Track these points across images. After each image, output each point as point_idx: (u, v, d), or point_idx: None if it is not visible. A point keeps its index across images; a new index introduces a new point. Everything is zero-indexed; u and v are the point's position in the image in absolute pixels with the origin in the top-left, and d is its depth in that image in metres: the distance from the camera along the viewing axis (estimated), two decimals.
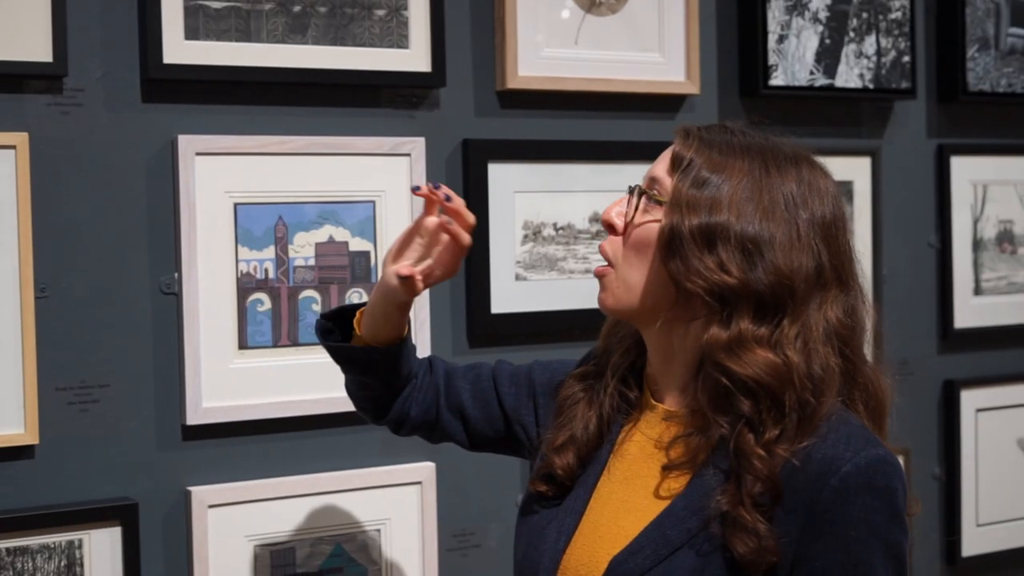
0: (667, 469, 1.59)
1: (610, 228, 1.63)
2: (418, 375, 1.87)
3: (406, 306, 1.77)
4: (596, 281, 1.65)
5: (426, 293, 2.33)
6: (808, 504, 1.49)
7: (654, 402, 1.66)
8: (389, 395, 1.84)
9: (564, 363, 1.85)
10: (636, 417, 1.68)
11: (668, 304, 1.58)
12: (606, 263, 1.64)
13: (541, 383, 1.84)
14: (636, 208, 1.60)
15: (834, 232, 1.60)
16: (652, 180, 1.62)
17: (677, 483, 1.57)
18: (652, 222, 1.59)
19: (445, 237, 1.73)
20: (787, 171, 1.59)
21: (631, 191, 1.63)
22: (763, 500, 1.49)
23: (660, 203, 1.59)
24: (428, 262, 1.74)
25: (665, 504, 1.57)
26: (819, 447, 1.51)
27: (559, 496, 1.68)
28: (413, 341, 1.85)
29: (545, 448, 1.71)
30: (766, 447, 1.50)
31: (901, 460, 2.88)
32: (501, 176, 2.43)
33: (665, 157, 1.63)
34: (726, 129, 1.63)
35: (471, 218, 1.72)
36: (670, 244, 1.55)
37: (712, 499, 1.52)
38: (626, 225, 1.62)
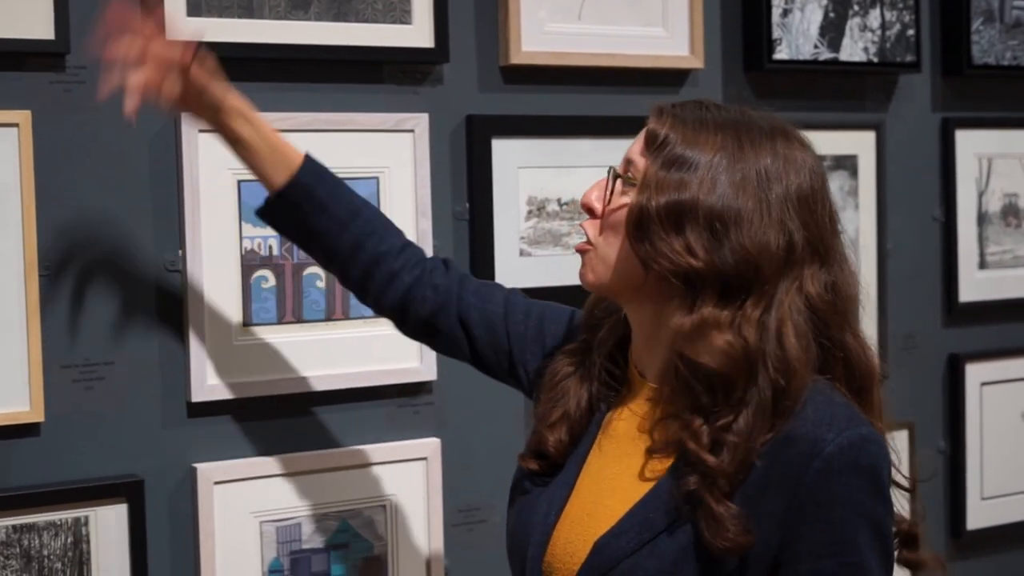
0: (651, 451, 1.58)
1: (589, 211, 1.63)
2: (394, 247, 1.89)
3: (243, 118, 1.87)
4: None
5: None
6: (793, 486, 1.49)
7: (640, 378, 1.66)
8: (348, 250, 1.87)
9: (577, 313, 1.83)
10: (624, 393, 1.68)
11: (640, 284, 1.58)
12: (586, 240, 1.64)
13: (551, 334, 1.83)
14: (611, 191, 1.60)
15: (812, 205, 1.56)
16: (628, 162, 1.61)
17: (662, 465, 1.57)
18: (626, 205, 1.58)
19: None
20: (762, 145, 1.56)
21: (609, 173, 1.63)
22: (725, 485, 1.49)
23: (635, 185, 1.58)
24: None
25: (649, 486, 1.56)
26: (801, 427, 1.49)
27: (550, 472, 1.69)
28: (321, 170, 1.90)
29: (538, 424, 1.72)
30: (714, 435, 1.49)
31: (905, 434, 2.89)
32: (505, 152, 2.42)
33: (641, 137, 1.62)
34: (701, 105, 1.61)
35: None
36: (638, 225, 1.54)
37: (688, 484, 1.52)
38: (604, 208, 1.61)
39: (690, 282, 1.52)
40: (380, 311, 1.94)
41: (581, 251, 1.64)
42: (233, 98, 1.87)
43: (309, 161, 1.89)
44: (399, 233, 1.92)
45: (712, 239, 1.51)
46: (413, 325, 1.91)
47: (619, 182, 1.60)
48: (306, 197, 1.86)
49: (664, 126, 1.58)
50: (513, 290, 1.91)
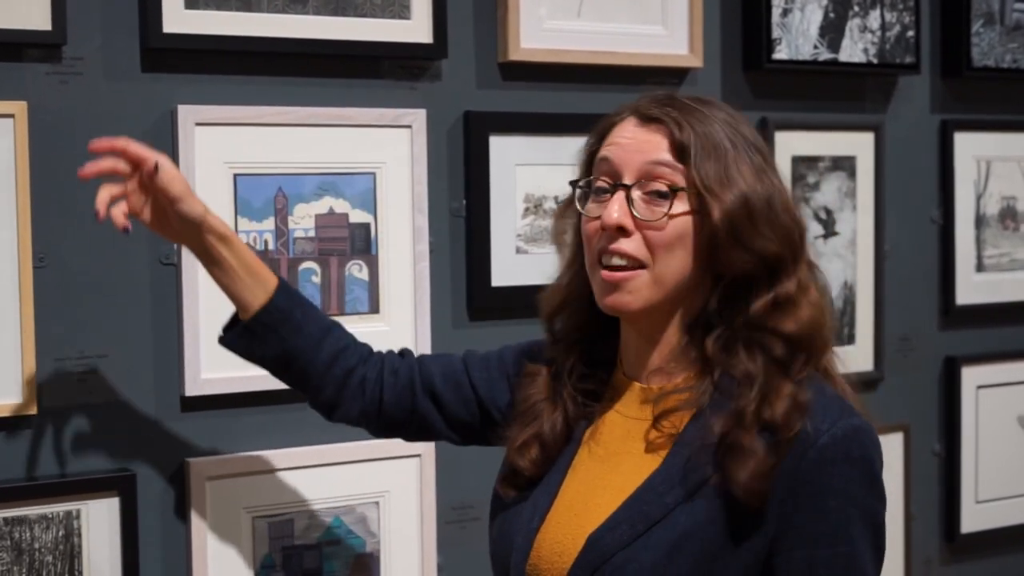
0: (645, 450, 1.58)
1: (620, 231, 1.56)
2: (363, 356, 1.87)
3: (221, 241, 1.81)
4: None
5: (426, 267, 2.32)
6: (787, 475, 1.50)
7: (629, 380, 1.65)
8: (324, 368, 1.84)
9: (534, 343, 1.83)
10: (611, 397, 1.67)
11: (684, 293, 1.58)
12: (630, 265, 1.56)
13: (513, 363, 1.82)
14: (670, 207, 1.55)
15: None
16: (657, 165, 1.56)
17: (654, 461, 1.57)
18: (684, 214, 1.55)
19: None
20: (743, 129, 1.60)
21: (624, 187, 1.57)
22: (772, 431, 1.50)
23: (665, 196, 1.55)
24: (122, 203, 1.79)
25: (641, 481, 1.56)
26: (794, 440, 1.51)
27: (530, 487, 1.68)
28: (300, 302, 1.87)
29: (508, 450, 1.70)
30: (799, 384, 1.54)
31: (900, 436, 2.89)
32: (503, 148, 2.41)
33: (655, 144, 1.57)
34: (674, 98, 1.62)
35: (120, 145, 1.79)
36: (731, 230, 1.54)
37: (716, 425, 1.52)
38: (642, 223, 1.56)
39: (769, 267, 1.56)
40: (351, 419, 1.89)
41: (626, 279, 1.57)
42: (213, 218, 1.81)
43: (284, 283, 1.86)
44: (364, 344, 1.90)
45: (769, 224, 1.55)
46: (384, 418, 1.87)
47: (644, 194, 1.56)
48: (284, 319, 1.83)
49: (683, 132, 1.56)
50: (468, 350, 1.90)
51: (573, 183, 1.66)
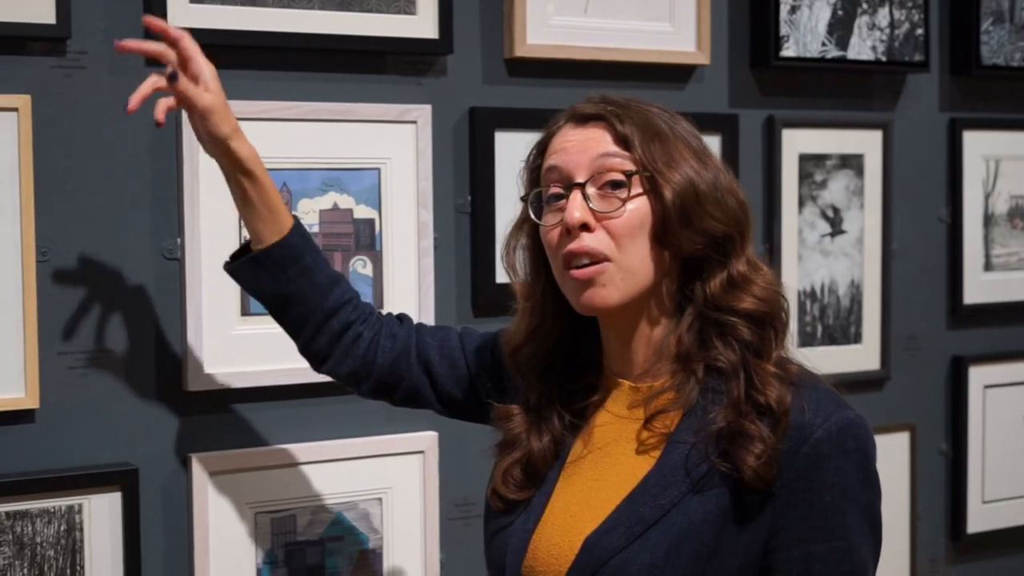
0: (637, 450, 1.58)
1: (583, 227, 1.56)
2: (363, 313, 1.88)
3: (242, 172, 1.82)
4: None
5: (430, 263, 2.32)
6: (783, 473, 1.50)
7: (617, 379, 1.65)
8: (323, 318, 1.85)
9: None
10: (601, 397, 1.66)
11: (651, 282, 1.58)
12: (596, 260, 1.56)
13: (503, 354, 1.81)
14: (628, 196, 1.56)
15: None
16: (606, 158, 1.57)
17: (647, 461, 1.57)
18: (638, 196, 1.56)
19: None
20: (684, 119, 1.63)
21: (579, 186, 1.57)
22: (767, 414, 1.51)
23: (619, 186, 1.56)
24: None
25: (636, 482, 1.56)
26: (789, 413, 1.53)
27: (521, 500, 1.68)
28: (313, 244, 1.88)
29: (494, 474, 1.71)
30: (779, 365, 1.55)
31: (907, 435, 2.88)
32: (508, 145, 2.41)
33: (598, 139, 1.59)
34: (609, 98, 1.63)
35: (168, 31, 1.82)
36: (682, 213, 1.55)
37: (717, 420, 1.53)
38: (601, 216, 1.56)
39: (719, 247, 1.57)
40: (339, 373, 1.90)
41: (596, 273, 1.56)
42: (240, 145, 1.81)
43: (299, 224, 1.87)
44: (367, 303, 1.92)
45: (717, 203, 1.57)
46: (374, 380, 1.88)
47: (598, 188, 1.57)
48: (294, 260, 1.84)
49: (623, 123, 1.58)
50: (466, 327, 1.92)
51: (524, 198, 1.67)
